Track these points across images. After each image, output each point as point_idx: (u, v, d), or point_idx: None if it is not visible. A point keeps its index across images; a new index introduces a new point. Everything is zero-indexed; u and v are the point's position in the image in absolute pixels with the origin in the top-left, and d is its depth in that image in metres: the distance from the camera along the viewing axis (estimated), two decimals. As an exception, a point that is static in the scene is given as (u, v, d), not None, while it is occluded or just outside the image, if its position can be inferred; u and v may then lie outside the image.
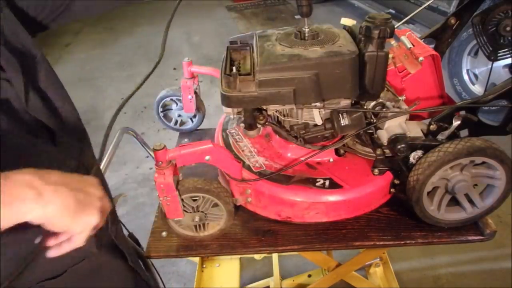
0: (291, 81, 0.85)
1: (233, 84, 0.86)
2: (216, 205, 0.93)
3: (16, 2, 0.78)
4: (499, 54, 1.10)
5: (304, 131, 1.00)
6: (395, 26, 0.88)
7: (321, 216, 0.99)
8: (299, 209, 0.98)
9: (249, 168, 1.03)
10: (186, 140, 1.38)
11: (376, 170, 0.99)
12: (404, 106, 0.97)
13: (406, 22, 1.36)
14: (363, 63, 0.86)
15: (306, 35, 0.94)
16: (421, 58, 0.98)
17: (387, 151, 0.96)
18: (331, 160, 1.05)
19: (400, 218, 1.02)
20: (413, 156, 0.92)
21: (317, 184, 0.98)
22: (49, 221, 0.54)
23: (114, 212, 0.93)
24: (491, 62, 1.11)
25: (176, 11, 0.97)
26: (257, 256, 1.70)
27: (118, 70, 4.37)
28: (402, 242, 0.97)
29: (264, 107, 0.95)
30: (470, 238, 0.97)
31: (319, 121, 0.98)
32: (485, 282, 1.93)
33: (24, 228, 0.53)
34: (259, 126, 1.01)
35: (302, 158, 1.04)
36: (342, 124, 0.95)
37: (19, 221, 0.51)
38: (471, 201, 0.94)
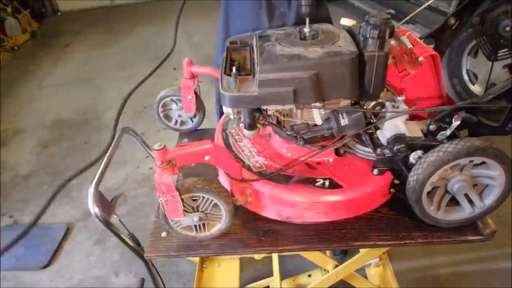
0: (291, 81, 0.85)
1: (233, 84, 0.86)
2: (216, 205, 0.93)
3: None
4: (499, 54, 1.11)
5: (304, 131, 1.00)
6: (395, 26, 0.88)
7: (321, 216, 0.99)
8: (299, 209, 0.98)
9: (249, 168, 1.03)
10: (186, 140, 1.38)
11: (375, 170, 0.99)
12: (404, 106, 0.97)
13: (406, 22, 1.36)
14: (363, 63, 0.86)
15: (306, 35, 0.94)
16: (421, 58, 0.98)
17: (387, 151, 0.96)
18: (331, 160, 1.06)
19: (400, 218, 1.02)
20: (413, 156, 0.92)
21: (317, 184, 0.98)
22: None
23: None
24: (491, 62, 1.11)
25: (177, 10, 1.00)
26: (257, 256, 1.70)
27: (118, 70, 4.37)
28: (402, 242, 0.97)
29: (264, 107, 0.95)
30: (470, 238, 0.97)
31: (319, 121, 0.98)
32: (485, 282, 1.93)
33: None
34: (259, 126, 1.02)
35: (302, 158, 1.04)
36: (342, 124, 0.95)
37: None
38: (470, 201, 0.94)
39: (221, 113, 1.68)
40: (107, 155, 1.11)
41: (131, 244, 1.07)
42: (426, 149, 0.90)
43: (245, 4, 1.33)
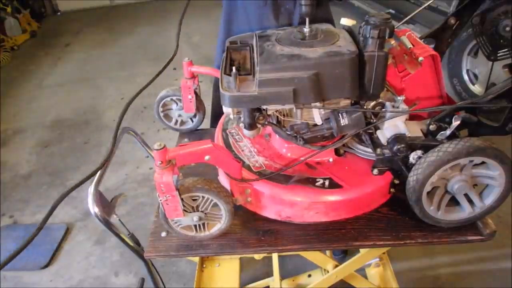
0: (291, 81, 0.85)
1: (233, 84, 0.86)
2: (216, 204, 0.93)
3: None
4: (499, 54, 1.10)
5: (304, 131, 1.00)
6: (395, 26, 0.88)
7: (321, 216, 0.99)
8: (299, 209, 0.98)
9: (249, 168, 1.03)
10: (186, 140, 1.38)
11: (375, 170, 0.99)
12: (404, 106, 0.97)
13: (406, 22, 1.36)
14: (363, 63, 0.86)
15: (306, 35, 0.94)
16: (421, 58, 0.98)
17: (387, 151, 0.96)
18: (331, 160, 1.05)
19: (400, 218, 1.01)
20: (413, 156, 0.92)
21: (317, 184, 0.98)
22: None
23: None
24: (491, 62, 1.11)
25: (177, 10, 1.02)
26: (257, 256, 1.70)
27: (118, 70, 4.37)
28: (402, 242, 0.97)
29: (264, 107, 0.95)
30: (470, 238, 0.97)
31: (319, 121, 0.98)
32: (485, 282, 1.93)
33: None
34: (259, 126, 1.01)
35: (302, 158, 1.04)
36: (342, 124, 0.95)
37: None
38: (470, 201, 0.94)
39: (212, 117, 1.65)
40: (106, 155, 1.11)
41: (131, 244, 1.07)
42: (426, 149, 0.90)
43: (250, 4, 1.32)
